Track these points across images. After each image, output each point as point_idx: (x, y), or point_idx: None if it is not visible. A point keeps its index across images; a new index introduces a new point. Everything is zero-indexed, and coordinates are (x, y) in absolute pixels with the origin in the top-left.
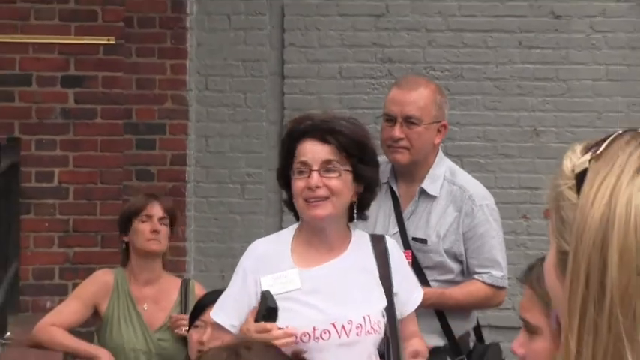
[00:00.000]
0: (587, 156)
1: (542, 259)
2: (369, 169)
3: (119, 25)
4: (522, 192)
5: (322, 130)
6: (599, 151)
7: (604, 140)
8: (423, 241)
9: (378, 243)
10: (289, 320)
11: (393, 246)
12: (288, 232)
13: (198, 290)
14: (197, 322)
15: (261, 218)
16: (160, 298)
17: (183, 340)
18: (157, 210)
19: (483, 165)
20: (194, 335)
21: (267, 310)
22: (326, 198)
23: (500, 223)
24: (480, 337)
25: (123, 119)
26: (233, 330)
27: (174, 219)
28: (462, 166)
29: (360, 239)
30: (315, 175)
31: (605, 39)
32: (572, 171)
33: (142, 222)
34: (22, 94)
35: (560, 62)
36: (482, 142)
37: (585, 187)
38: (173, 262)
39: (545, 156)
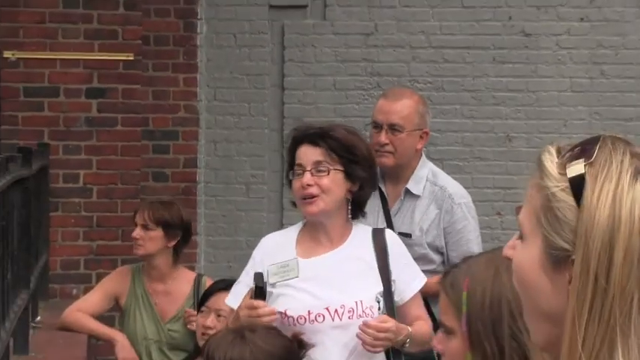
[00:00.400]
0: (581, 161)
1: (455, 266)
2: (361, 169)
3: (137, 42)
4: (496, 191)
5: (314, 136)
6: (592, 158)
7: (586, 145)
8: (408, 235)
9: (378, 235)
10: (287, 304)
11: (393, 238)
12: (296, 228)
13: (208, 285)
14: (202, 309)
15: (264, 215)
16: (171, 292)
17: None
18: (138, 218)
19: (462, 167)
20: (199, 320)
21: (255, 288)
22: (317, 195)
23: (477, 219)
24: None
25: (140, 127)
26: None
27: (166, 224)
28: (443, 168)
29: (361, 232)
30: (307, 174)
31: (570, 55)
32: (562, 174)
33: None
34: (51, 104)
35: (529, 76)
36: (460, 146)
37: (587, 191)
38: (186, 253)
39: (517, 159)
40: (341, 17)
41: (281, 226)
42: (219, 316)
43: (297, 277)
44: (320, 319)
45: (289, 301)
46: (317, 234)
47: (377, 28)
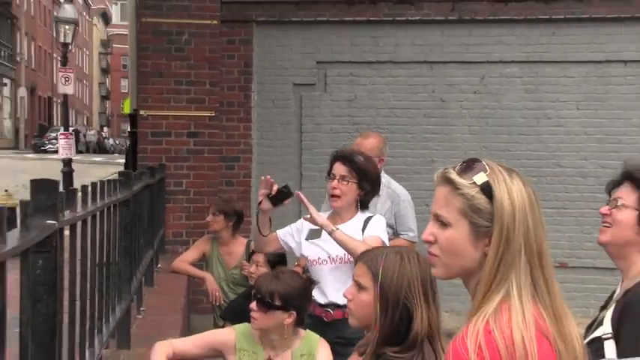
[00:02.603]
0: (482, 173)
1: (369, 251)
2: (368, 184)
3: (216, 105)
4: (426, 192)
5: (344, 158)
6: (488, 171)
7: (468, 162)
8: None
9: (369, 218)
10: (308, 252)
11: (376, 219)
12: (329, 212)
13: (253, 246)
14: (250, 262)
15: (289, 207)
16: (232, 251)
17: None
18: (209, 209)
19: (405, 178)
20: (248, 268)
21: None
22: (339, 196)
23: (414, 208)
24: None
25: (218, 154)
26: (280, 240)
27: (225, 213)
28: (394, 178)
29: (362, 216)
30: (335, 181)
31: (468, 112)
32: (471, 183)
33: None
34: (166, 141)
35: (444, 124)
36: (404, 166)
37: (495, 190)
38: (244, 229)
39: None
40: (335, 90)
41: (299, 213)
42: (257, 266)
43: (319, 237)
44: (324, 263)
45: (309, 250)
46: (337, 215)
47: (356, 97)
